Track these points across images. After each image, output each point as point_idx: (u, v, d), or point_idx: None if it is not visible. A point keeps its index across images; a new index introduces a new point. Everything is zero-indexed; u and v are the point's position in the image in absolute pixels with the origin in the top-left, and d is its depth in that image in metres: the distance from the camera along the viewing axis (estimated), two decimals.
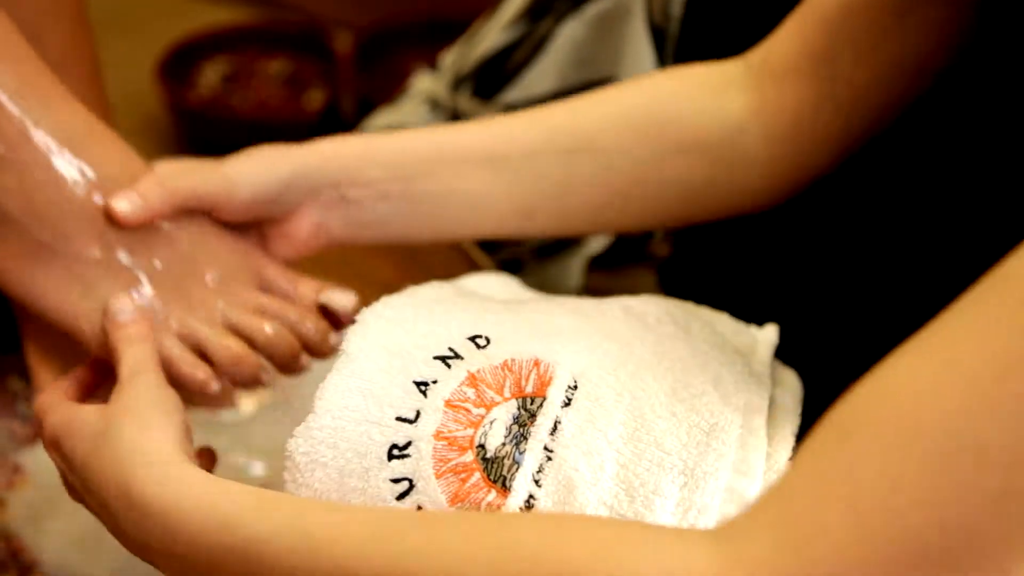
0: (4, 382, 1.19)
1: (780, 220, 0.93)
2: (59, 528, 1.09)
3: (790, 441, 0.66)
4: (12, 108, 0.73)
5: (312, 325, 0.77)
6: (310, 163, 0.77)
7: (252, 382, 0.76)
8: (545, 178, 0.79)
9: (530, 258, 1.15)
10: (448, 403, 0.64)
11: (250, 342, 0.76)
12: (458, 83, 1.15)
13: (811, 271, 0.90)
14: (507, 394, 0.64)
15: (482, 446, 0.62)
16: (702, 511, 0.61)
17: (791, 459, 0.64)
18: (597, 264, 1.15)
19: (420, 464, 0.62)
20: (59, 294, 0.74)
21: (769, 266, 0.94)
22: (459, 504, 0.61)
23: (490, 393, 0.64)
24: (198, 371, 0.73)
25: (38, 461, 1.14)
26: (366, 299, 0.73)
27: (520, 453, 0.62)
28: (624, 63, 1.04)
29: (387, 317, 0.69)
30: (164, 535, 0.60)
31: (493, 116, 0.88)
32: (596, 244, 1.11)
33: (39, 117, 0.74)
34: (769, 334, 0.75)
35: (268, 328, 0.76)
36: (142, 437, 0.63)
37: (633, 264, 1.22)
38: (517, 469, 0.62)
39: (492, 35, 1.12)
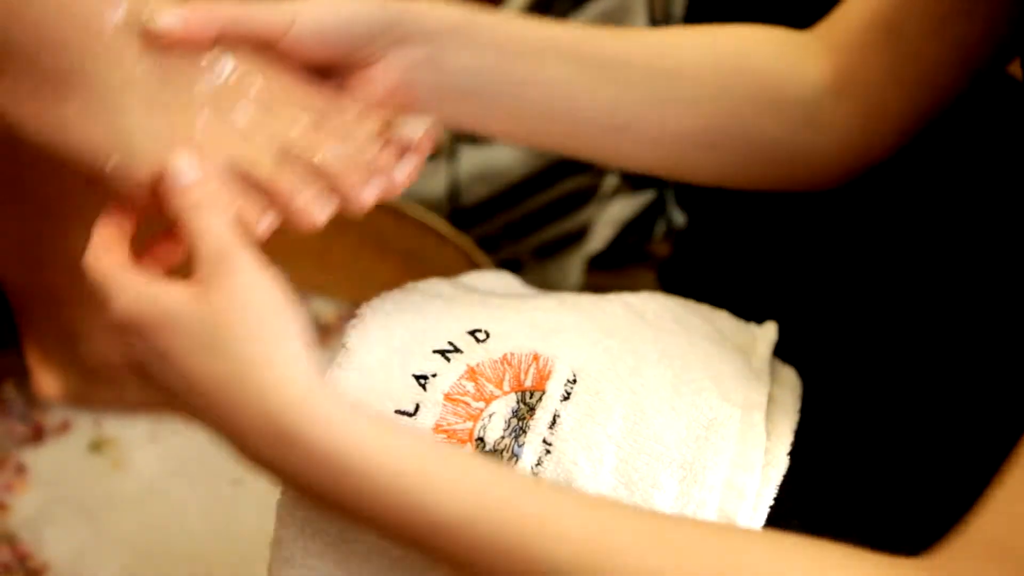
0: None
1: (779, 221, 0.93)
2: (64, 530, 1.09)
3: (788, 437, 0.66)
4: None
5: (378, 151, 0.66)
6: (401, 9, 0.69)
7: (311, 216, 0.64)
8: (638, 94, 0.74)
9: (530, 257, 1.15)
10: (447, 396, 0.64)
11: (307, 171, 0.65)
12: None
13: (811, 272, 0.90)
14: (506, 388, 0.65)
15: (481, 439, 0.62)
16: (700, 505, 0.61)
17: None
18: (597, 264, 1.15)
19: None
20: (85, 129, 0.63)
21: (769, 267, 0.95)
22: None
23: (489, 387, 0.65)
24: (246, 206, 0.64)
25: (40, 462, 1.15)
26: (366, 298, 0.72)
27: (519, 446, 0.62)
28: None
29: (387, 311, 0.69)
30: (323, 479, 0.56)
31: None
32: (596, 243, 1.12)
33: None
34: (768, 332, 0.76)
35: (328, 154, 0.65)
36: (277, 356, 0.57)
37: (633, 264, 1.22)
38: (516, 462, 0.62)
39: None
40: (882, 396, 0.78)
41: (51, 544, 1.08)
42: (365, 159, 0.66)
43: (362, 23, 0.68)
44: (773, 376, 0.73)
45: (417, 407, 0.64)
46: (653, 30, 0.78)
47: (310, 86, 0.68)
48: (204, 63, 0.65)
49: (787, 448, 0.65)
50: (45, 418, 1.19)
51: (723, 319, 0.76)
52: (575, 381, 0.65)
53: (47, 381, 1.19)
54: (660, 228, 1.16)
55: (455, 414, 0.63)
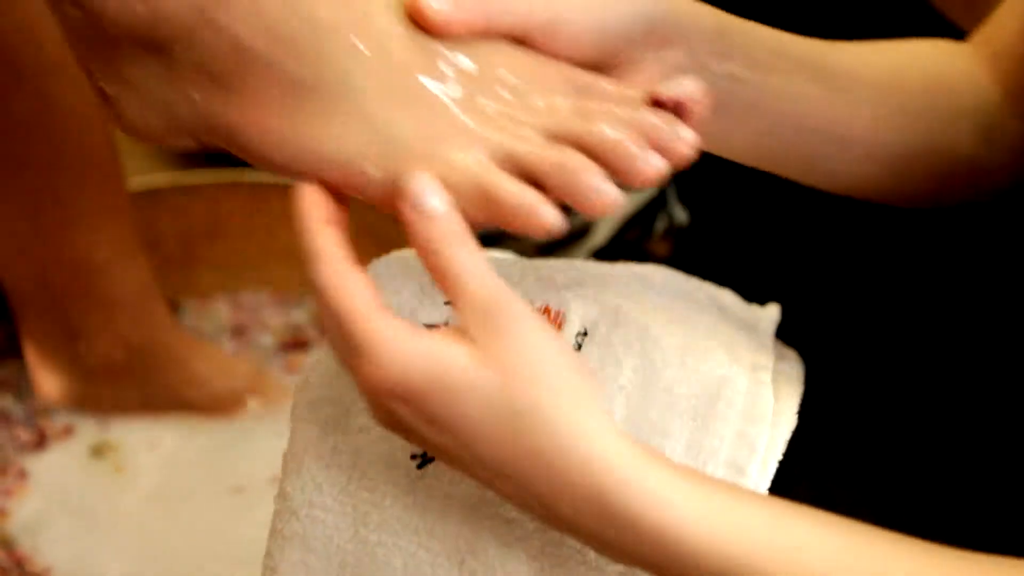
0: None
1: (782, 221, 0.94)
2: (63, 535, 1.09)
3: (796, 398, 0.67)
4: None
5: (653, 117, 0.57)
6: (665, 9, 0.63)
7: (596, 198, 0.56)
8: (866, 109, 0.71)
9: (531, 254, 1.16)
10: None
11: (584, 150, 0.57)
12: None
13: (813, 272, 0.90)
14: None
15: None
16: (711, 455, 0.61)
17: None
18: None
19: None
20: (332, 135, 0.58)
21: (768, 266, 0.95)
22: None
23: None
24: (525, 195, 0.55)
25: (42, 468, 1.14)
26: None
27: None
28: None
29: (392, 273, 0.68)
30: (658, 558, 0.53)
31: None
32: (597, 238, 1.12)
33: None
34: (771, 311, 0.76)
35: (601, 127, 0.57)
36: (590, 425, 0.52)
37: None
38: None
39: None
40: (885, 381, 0.79)
41: (50, 549, 1.08)
42: (642, 130, 0.57)
43: (626, 22, 0.62)
44: (776, 352, 0.73)
45: None
46: (860, 43, 0.75)
47: (563, 63, 0.61)
48: (452, 49, 0.59)
49: (795, 407, 0.66)
50: (47, 424, 1.19)
51: (727, 296, 0.77)
52: (586, 334, 0.65)
53: (46, 381, 1.19)
54: (661, 224, 1.16)
55: None
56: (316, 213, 0.57)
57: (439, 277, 0.55)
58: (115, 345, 1.18)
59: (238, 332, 1.29)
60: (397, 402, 0.53)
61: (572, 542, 0.60)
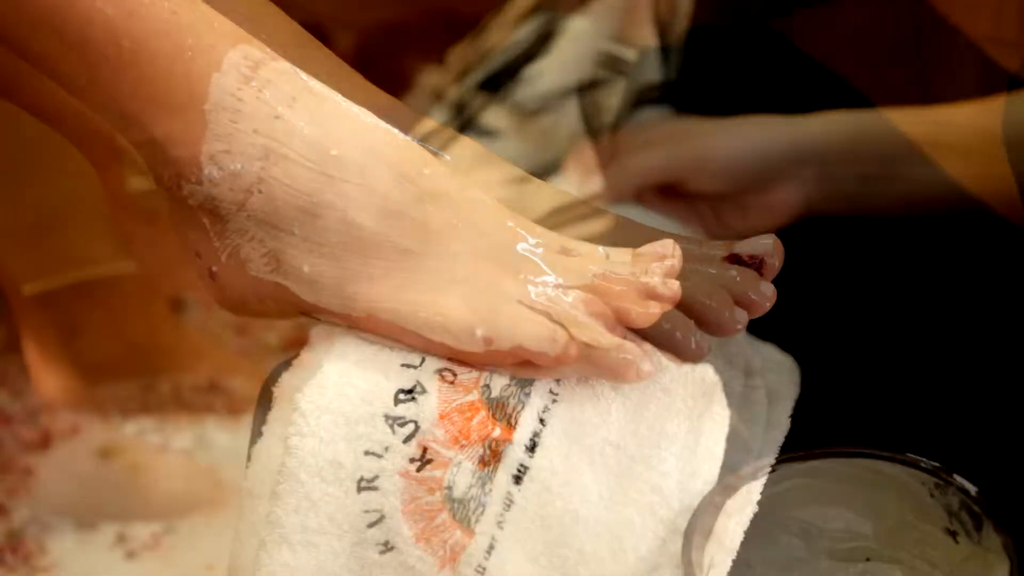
0: None
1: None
2: (68, 528, 1.09)
3: (790, 401, 0.67)
4: (348, 107, 0.62)
5: (735, 274, 0.63)
6: (801, 143, 0.70)
7: (694, 350, 0.61)
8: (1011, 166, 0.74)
9: None
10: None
11: (675, 307, 0.62)
12: (464, 78, 1.16)
13: (806, 276, 0.90)
14: None
15: (487, 386, 0.63)
16: (708, 456, 0.62)
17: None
18: None
19: (425, 405, 0.62)
20: (437, 304, 0.62)
21: None
22: (462, 440, 0.61)
23: None
24: (626, 351, 0.61)
25: (47, 467, 1.14)
26: None
27: (526, 395, 0.62)
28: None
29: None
30: None
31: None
32: None
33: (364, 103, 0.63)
34: None
35: (688, 285, 0.62)
36: None
37: None
38: (522, 408, 0.62)
39: (500, 30, 1.13)
40: (879, 385, 0.79)
41: (57, 547, 1.07)
42: (727, 287, 0.63)
43: (773, 155, 0.69)
44: (771, 356, 0.73)
45: (423, 359, 0.64)
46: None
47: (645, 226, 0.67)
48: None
49: (789, 411, 0.66)
50: (52, 423, 1.19)
51: None
52: None
53: (47, 380, 1.19)
54: None
55: (460, 365, 0.63)
56: None
57: None
58: (116, 344, 1.18)
59: (242, 330, 1.29)
60: None
61: (573, 543, 0.60)
